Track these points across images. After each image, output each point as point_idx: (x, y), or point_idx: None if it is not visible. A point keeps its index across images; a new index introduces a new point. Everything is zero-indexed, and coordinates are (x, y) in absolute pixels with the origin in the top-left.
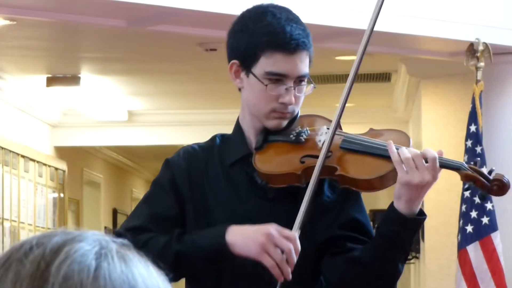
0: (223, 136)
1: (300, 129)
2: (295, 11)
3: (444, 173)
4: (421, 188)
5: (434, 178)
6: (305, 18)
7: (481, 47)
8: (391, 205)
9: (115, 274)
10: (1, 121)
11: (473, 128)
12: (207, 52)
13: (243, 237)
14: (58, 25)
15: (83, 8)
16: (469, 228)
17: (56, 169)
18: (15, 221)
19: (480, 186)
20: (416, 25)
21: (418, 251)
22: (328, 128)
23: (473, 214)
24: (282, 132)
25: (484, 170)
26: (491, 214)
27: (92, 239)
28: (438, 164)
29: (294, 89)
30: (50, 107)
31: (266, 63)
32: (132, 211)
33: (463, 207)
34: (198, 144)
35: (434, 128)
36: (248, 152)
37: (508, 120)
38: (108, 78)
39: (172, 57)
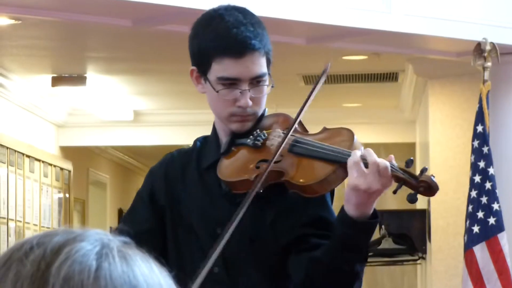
0: (204, 139)
1: (258, 132)
2: (300, 10)
3: (451, 174)
4: (369, 194)
5: (384, 186)
6: (311, 18)
7: (488, 47)
8: (342, 207)
9: (116, 274)
10: (7, 121)
11: (480, 128)
12: None
13: None
14: (63, 24)
15: (88, 8)
16: (476, 229)
17: (62, 169)
18: (20, 221)
19: (409, 187)
20: (423, 25)
21: (424, 251)
22: (283, 130)
23: (480, 214)
24: (247, 134)
25: (414, 171)
26: (497, 214)
27: (94, 239)
28: (389, 173)
29: (250, 91)
30: (56, 107)
31: (217, 69)
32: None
33: (470, 207)
34: (179, 149)
35: (441, 128)
36: (219, 156)
37: None
38: (114, 78)
39: (178, 57)
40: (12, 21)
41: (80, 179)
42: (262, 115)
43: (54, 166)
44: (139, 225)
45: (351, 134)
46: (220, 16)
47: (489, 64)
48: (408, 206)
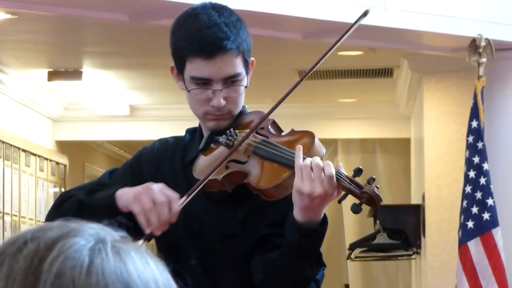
0: (192, 131)
1: (231, 131)
2: (298, 6)
3: (446, 170)
4: (313, 199)
5: (328, 193)
6: (306, 13)
7: (483, 43)
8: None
9: (109, 270)
10: (2, 115)
11: (474, 123)
12: None
13: (128, 191)
14: (60, 19)
15: (85, 3)
16: (470, 224)
17: (58, 163)
18: (15, 215)
19: (354, 197)
20: (418, 21)
21: (419, 246)
22: (260, 132)
23: (474, 210)
24: (225, 132)
25: (359, 180)
26: (492, 210)
27: (88, 233)
28: (334, 181)
29: (223, 90)
30: (52, 102)
31: (190, 68)
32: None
33: (464, 202)
34: (173, 137)
35: (436, 124)
36: (198, 152)
37: (509, 116)
38: (110, 73)
39: None
40: (9, 16)
41: (76, 173)
42: (242, 112)
43: (50, 160)
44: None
45: (312, 137)
46: (195, 15)
47: (484, 60)
48: (403, 201)
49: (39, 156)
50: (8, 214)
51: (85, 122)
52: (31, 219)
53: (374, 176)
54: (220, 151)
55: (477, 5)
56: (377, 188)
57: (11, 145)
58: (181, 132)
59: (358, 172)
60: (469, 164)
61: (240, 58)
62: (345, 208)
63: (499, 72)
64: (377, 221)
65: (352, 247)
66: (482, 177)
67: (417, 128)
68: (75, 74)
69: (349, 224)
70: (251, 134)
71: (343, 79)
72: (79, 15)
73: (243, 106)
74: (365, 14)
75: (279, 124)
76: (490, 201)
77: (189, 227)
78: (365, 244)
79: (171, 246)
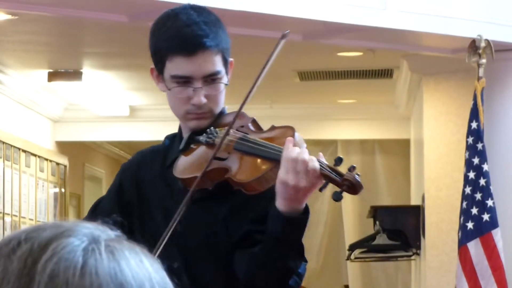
0: (172, 136)
1: (211, 129)
2: (298, 7)
3: (446, 171)
4: (297, 191)
5: (312, 183)
6: (306, 14)
7: (483, 44)
8: (274, 203)
9: (102, 271)
10: (3, 116)
11: (474, 125)
12: None
13: None
14: (60, 20)
15: (85, 3)
16: (470, 225)
17: (58, 164)
18: (16, 215)
19: (335, 185)
20: (418, 22)
21: (419, 247)
22: (237, 129)
23: (474, 211)
24: (205, 131)
25: (341, 169)
26: (491, 211)
27: (82, 233)
28: (318, 174)
29: (203, 88)
30: (52, 102)
31: (170, 67)
32: None
33: (464, 203)
34: (151, 147)
35: (435, 125)
36: (179, 153)
37: (509, 117)
38: (110, 73)
39: None
40: (9, 17)
41: (76, 174)
42: (222, 112)
43: (50, 161)
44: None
45: (292, 132)
46: (174, 16)
47: (483, 61)
48: (402, 202)
49: (39, 156)
50: (8, 214)
51: (85, 122)
52: (31, 220)
53: (354, 165)
54: (201, 150)
55: (477, 6)
56: (358, 175)
57: (11, 145)
58: None
59: (338, 161)
60: (468, 165)
61: (220, 56)
62: (345, 209)
63: (499, 73)
64: (377, 222)
65: (352, 248)
66: (481, 178)
67: (417, 129)
68: (75, 74)
69: (348, 225)
70: (232, 131)
71: (342, 80)
72: (79, 16)
73: (222, 107)
74: (283, 36)
75: (280, 123)
76: (489, 202)
77: (173, 230)
78: (365, 245)
79: (153, 250)
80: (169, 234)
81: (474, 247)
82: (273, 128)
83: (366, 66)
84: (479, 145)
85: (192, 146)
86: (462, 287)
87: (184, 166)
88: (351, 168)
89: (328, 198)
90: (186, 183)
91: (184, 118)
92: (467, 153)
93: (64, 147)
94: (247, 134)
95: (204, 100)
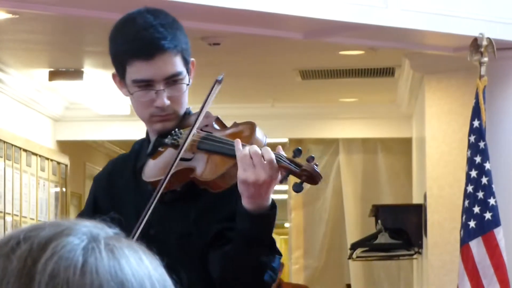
0: (142, 141)
1: (176, 131)
2: (299, 5)
3: (448, 169)
4: (259, 186)
5: (272, 177)
6: (308, 13)
7: (485, 42)
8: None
9: (102, 269)
10: (4, 115)
11: (476, 123)
12: (210, 46)
13: None
14: (61, 18)
15: (86, 2)
16: (472, 224)
17: (59, 163)
18: (17, 215)
19: (295, 176)
20: (420, 20)
21: (421, 246)
22: (204, 129)
23: (476, 209)
24: (170, 134)
25: (299, 159)
26: (494, 209)
27: (82, 232)
28: (275, 164)
29: (165, 90)
30: (53, 101)
31: (130, 72)
32: None
33: (466, 202)
34: (120, 155)
35: (437, 123)
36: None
37: (511, 115)
38: (111, 72)
39: None
40: (10, 16)
41: (77, 173)
42: (188, 113)
43: (51, 160)
44: None
45: (252, 127)
46: (131, 20)
47: (485, 59)
48: (404, 200)
49: (40, 156)
50: (9, 214)
51: (86, 121)
52: (32, 219)
53: (313, 155)
54: (167, 153)
55: (479, 4)
56: (317, 166)
57: (12, 144)
58: None
59: (297, 152)
60: (470, 163)
61: (180, 57)
62: (347, 208)
63: (501, 72)
64: (379, 221)
65: (354, 247)
66: (483, 176)
67: (419, 128)
68: (76, 73)
69: (350, 223)
70: (196, 131)
71: (344, 79)
72: (80, 15)
73: (187, 108)
74: (219, 82)
75: (282, 122)
76: (491, 201)
77: (145, 233)
78: (367, 244)
79: None
80: (136, 236)
81: (476, 245)
82: (235, 125)
83: (368, 65)
84: (481, 144)
85: (160, 149)
86: (464, 286)
87: (152, 169)
88: (310, 159)
89: (330, 197)
90: (155, 186)
91: (149, 121)
92: (469, 152)
93: (65, 146)
94: (211, 133)
95: (167, 102)
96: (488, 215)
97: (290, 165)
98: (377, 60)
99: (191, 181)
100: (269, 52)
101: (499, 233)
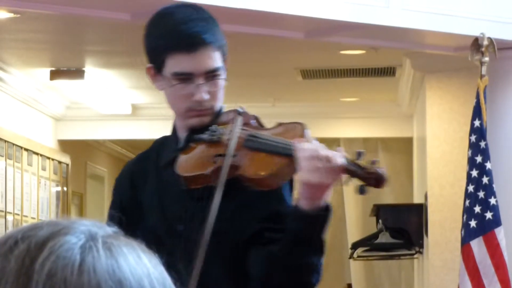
0: (164, 138)
1: (215, 127)
2: (300, 4)
3: (448, 169)
4: (320, 189)
5: (335, 179)
6: (309, 12)
7: (485, 42)
8: (296, 201)
9: (100, 268)
10: (5, 114)
11: (477, 123)
12: None
13: None
14: (62, 18)
15: (87, 1)
16: (473, 223)
17: (60, 162)
18: (18, 214)
19: (359, 179)
20: (421, 20)
21: (421, 246)
22: (240, 126)
23: (477, 209)
24: (204, 130)
25: (364, 163)
26: (495, 209)
27: (79, 231)
28: (340, 167)
29: (205, 85)
30: (54, 101)
31: (171, 65)
32: None
33: (467, 202)
34: (139, 154)
35: (438, 123)
36: (177, 153)
37: None
38: (112, 72)
39: None
40: (11, 15)
41: (78, 172)
42: (220, 110)
43: (52, 159)
44: None
45: (302, 127)
46: (170, 14)
47: (486, 59)
48: (405, 200)
49: (41, 155)
50: (10, 213)
51: (87, 121)
52: (33, 218)
53: (377, 159)
54: (202, 148)
55: (480, 3)
56: (383, 168)
57: (13, 144)
58: None
59: (360, 154)
60: (471, 163)
61: (219, 53)
62: (348, 207)
63: (502, 71)
64: (380, 221)
65: (355, 246)
66: (484, 176)
67: (420, 127)
68: (78, 73)
69: (351, 223)
70: (238, 128)
71: (345, 78)
72: (81, 14)
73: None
74: (239, 114)
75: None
76: (492, 200)
77: (173, 229)
78: (368, 243)
79: (158, 251)
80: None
81: (477, 245)
82: (280, 124)
83: (369, 64)
84: (482, 143)
85: (191, 144)
86: (465, 286)
87: (188, 164)
88: (374, 162)
89: (331, 196)
90: (189, 181)
91: (185, 115)
92: (470, 151)
93: (66, 145)
94: (253, 131)
95: (206, 96)
96: (489, 215)
97: (357, 168)
98: (378, 59)
99: (234, 178)
100: (270, 52)
101: (500, 233)
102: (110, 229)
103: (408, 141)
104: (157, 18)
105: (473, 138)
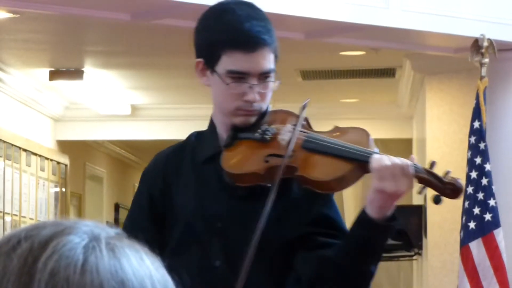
0: (199, 133)
1: (266, 126)
2: (298, 5)
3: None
4: (394, 197)
5: (409, 187)
6: (309, 13)
7: (485, 43)
8: (363, 208)
9: (103, 268)
10: (4, 115)
11: (476, 124)
12: None
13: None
14: (61, 18)
15: (86, 2)
16: (472, 225)
17: (58, 163)
18: (16, 215)
19: (434, 189)
20: (421, 21)
21: (420, 247)
22: (294, 126)
23: (476, 210)
24: (251, 129)
25: (439, 173)
26: (494, 210)
27: (82, 231)
28: (413, 174)
29: (258, 86)
30: (53, 101)
31: (227, 62)
32: None
33: (466, 203)
34: (171, 147)
35: (438, 124)
36: (219, 149)
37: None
38: (111, 72)
39: (175, 51)
40: (10, 15)
41: (76, 173)
42: (266, 111)
43: (51, 160)
44: (139, 235)
45: (366, 133)
46: (231, 10)
47: (486, 60)
48: (404, 202)
49: (40, 155)
50: (8, 213)
51: (86, 121)
52: (32, 219)
53: (449, 170)
54: (251, 146)
55: (480, 5)
56: (459, 179)
57: (12, 144)
58: (182, 132)
59: (432, 164)
60: (471, 164)
61: (273, 55)
62: (347, 208)
63: (502, 73)
64: None
65: None
66: (484, 177)
67: (419, 129)
68: (77, 73)
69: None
70: (291, 128)
71: (345, 79)
72: (81, 14)
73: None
74: (304, 106)
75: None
76: (492, 202)
77: (211, 226)
78: None
79: (192, 246)
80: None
81: (476, 247)
82: (338, 128)
83: (369, 65)
84: (482, 145)
85: (236, 142)
86: (464, 287)
87: (237, 162)
88: (449, 172)
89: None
90: (238, 178)
91: (232, 114)
92: (469, 153)
93: (65, 146)
94: (312, 133)
95: (258, 97)
96: (488, 216)
97: (433, 178)
98: (378, 60)
99: (284, 179)
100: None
101: (499, 235)
102: (113, 231)
103: (408, 143)
104: (217, 13)
105: (472, 139)
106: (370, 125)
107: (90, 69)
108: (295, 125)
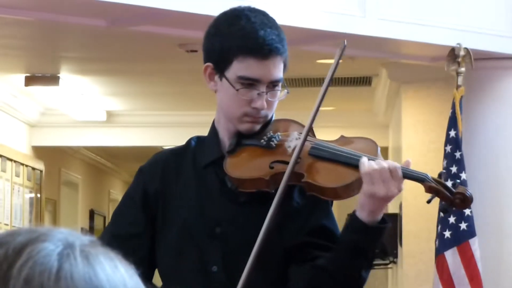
0: (199, 138)
1: (271, 134)
2: (275, 13)
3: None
4: (385, 200)
5: (399, 189)
6: (286, 21)
7: (462, 52)
8: (353, 213)
9: (77, 275)
10: None
11: (452, 133)
12: (188, 53)
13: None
14: (37, 24)
15: (63, 8)
16: (447, 234)
17: (34, 169)
18: None
19: (443, 199)
20: (398, 30)
21: (395, 256)
22: (299, 134)
23: (451, 219)
24: (255, 136)
25: (448, 183)
26: (469, 220)
27: (57, 238)
28: (401, 177)
29: (267, 94)
30: (29, 107)
31: (238, 68)
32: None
33: (441, 212)
34: (171, 149)
35: (414, 133)
36: (221, 154)
37: (488, 126)
38: (87, 78)
39: (152, 58)
40: None
41: (52, 179)
42: (271, 119)
43: (26, 165)
44: (128, 228)
45: (375, 144)
46: (246, 16)
47: (462, 69)
48: None
49: (15, 161)
50: None
51: (62, 127)
52: (7, 225)
53: (458, 181)
54: (256, 153)
55: (456, 14)
56: (469, 190)
57: None
58: (158, 138)
59: (441, 175)
60: (446, 173)
61: (283, 64)
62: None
63: (478, 82)
64: None
65: None
66: None
67: (395, 137)
68: (52, 79)
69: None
70: (296, 136)
71: (321, 87)
72: (56, 20)
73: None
74: (343, 48)
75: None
76: (467, 211)
77: (210, 230)
78: None
79: (189, 250)
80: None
81: (452, 256)
82: (344, 138)
83: (345, 74)
84: (457, 154)
85: (239, 148)
86: None
87: (241, 167)
88: (457, 183)
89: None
90: (242, 183)
91: (238, 120)
92: (445, 162)
93: (40, 152)
94: (318, 140)
95: (266, 105)
96: (463, 226)
97: (443, 188)
98: (354, 69)
99: (292, 187)
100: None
101: (475, 244)
102: (87, 238)
103: (384, 151)
104: (231, 19)
105: (448, 148)
106: (346, 133)
107: (66, 75)
108: (301, 133)
